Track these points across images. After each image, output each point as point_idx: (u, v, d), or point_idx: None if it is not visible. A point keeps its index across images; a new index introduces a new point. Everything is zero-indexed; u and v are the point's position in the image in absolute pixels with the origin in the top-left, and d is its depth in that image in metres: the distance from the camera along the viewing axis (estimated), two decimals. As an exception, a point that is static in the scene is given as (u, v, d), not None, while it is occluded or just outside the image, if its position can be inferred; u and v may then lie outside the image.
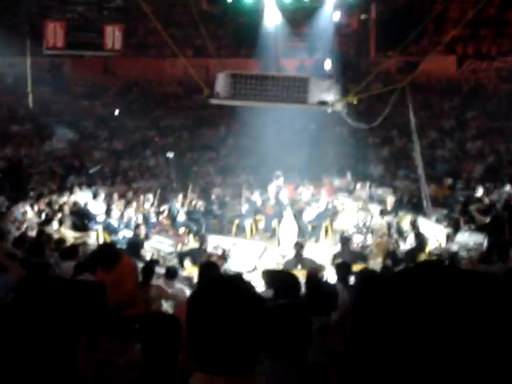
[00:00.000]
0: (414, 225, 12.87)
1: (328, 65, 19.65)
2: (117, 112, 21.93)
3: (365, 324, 1.14)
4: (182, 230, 15.26)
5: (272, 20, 18.65)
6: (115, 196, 15.99)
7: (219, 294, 1.79)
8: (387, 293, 1.09)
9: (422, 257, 11.16)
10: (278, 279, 6.18)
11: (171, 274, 9.31)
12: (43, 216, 14.27)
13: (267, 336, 1.84)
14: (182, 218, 15.55)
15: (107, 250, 7.71)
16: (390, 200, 14.99)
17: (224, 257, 11.14)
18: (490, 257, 10.39)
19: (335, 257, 11.44)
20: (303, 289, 6.89)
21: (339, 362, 3.92)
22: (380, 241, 13.36)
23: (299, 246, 11.65)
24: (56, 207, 14.62)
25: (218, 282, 1.91)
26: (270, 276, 7.27)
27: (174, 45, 12.05)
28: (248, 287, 1.93)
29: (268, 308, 2.98)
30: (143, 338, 3.75)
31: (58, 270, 9.07)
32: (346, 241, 12.36)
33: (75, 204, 15.20)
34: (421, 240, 12.21)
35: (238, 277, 2.16)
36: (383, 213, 14.66)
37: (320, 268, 10.46)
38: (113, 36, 14.18)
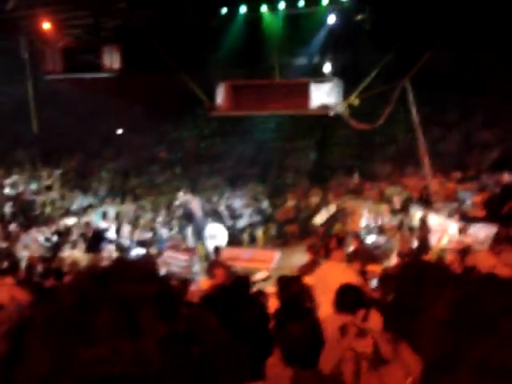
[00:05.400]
0: (424, 221, 12.79)
1: (327, 68, 19.62)
2: (120, 131, 21.95)
3: None
4: (193, 243, 15.28)
5: (269, 28, 18.61)
6: (125, 214, 16.03)
7: None
8: None
9: (432, 254, 11.06)
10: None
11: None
12: (54, 240, 14.31)
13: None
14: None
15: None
16: (397, 199, 14.96)
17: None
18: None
19: (349, 257, 11.27)
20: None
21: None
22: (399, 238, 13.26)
23: (315, 250, 11.28)
24: (64, 230, 14.64)
25: None
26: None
27: (173, 60, 12.08)
28: None
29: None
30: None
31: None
32: (359, 241, 12.23)
33: (88, 225, 15.23)
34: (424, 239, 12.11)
35: None
36: (394, 212, 14.61)
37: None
38: (110, 56, 14.23)
